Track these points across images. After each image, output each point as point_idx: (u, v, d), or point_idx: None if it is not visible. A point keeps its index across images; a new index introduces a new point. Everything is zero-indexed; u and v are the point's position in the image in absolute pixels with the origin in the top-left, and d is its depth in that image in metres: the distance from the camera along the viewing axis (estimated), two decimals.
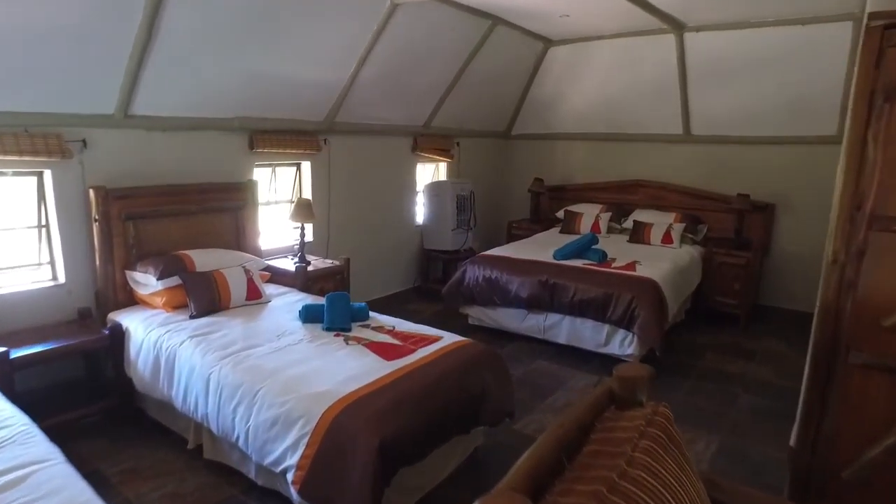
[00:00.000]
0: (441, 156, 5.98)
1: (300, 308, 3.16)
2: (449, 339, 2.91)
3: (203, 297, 3.14)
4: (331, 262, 4.22)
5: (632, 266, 4.51)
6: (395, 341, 2.84)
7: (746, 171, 5.62)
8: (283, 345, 2.73)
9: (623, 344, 4.12)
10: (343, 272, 4.11)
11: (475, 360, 2.75)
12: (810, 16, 4.50)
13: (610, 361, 4.21)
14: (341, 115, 4.68)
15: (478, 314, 4.82)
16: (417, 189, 5.87)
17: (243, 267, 3.44)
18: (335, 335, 2.90)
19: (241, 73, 3.73)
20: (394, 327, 3.08)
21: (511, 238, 6.39)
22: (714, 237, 5.65)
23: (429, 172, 6.26)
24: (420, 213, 5.93)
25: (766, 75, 5.04)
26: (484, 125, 6.59)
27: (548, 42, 5.72)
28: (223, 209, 3.82)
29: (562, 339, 4.42)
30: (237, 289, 3.30)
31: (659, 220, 5.65)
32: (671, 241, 5.41)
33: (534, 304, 4.44)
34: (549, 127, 6.68)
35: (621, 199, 6.26)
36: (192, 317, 3.11)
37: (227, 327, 2.96)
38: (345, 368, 2.48)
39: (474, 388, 2.66)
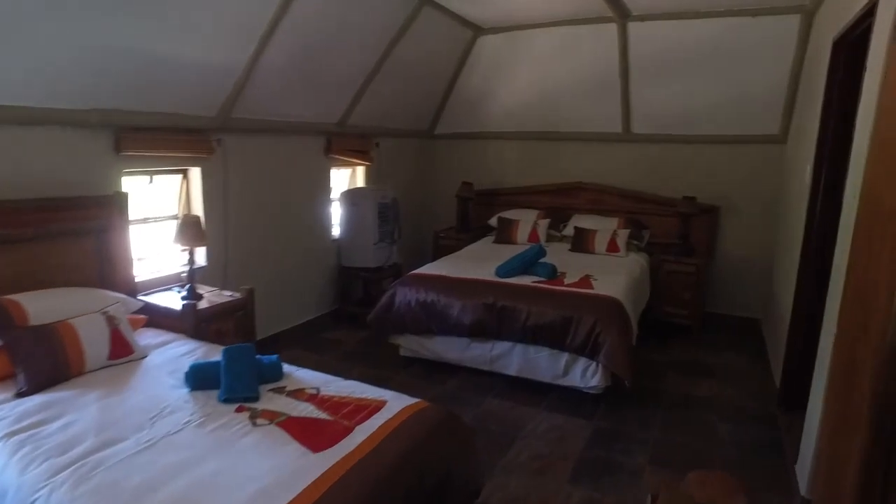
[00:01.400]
0: (359, 158, 5.20)
1: (187, 369, 2.30)
2: (395, 403, 2.18)
3: (39, 364, 2.19)
4: (230, 294, 3.33)
5: (587, 282, 3.97)
6: (323, 414, 2.07)
7: (690, 171, 5.28)
8: (158, 435, 1.87)
9: (585, 374, 3.56)
10: (245, 306, 3.25)
11: (435, 435, 2.05)
12: (761, 6, 4.16)
13: (571, 395, 3.65)
14: (239, 110, 3.80)
15: (411, 344, 4.10)
16: (332, 197, 5.06)
17: (105, 313, 2.51)
18: (237, 409, 2.09)
19: (100, 51, 2.78)
20: (318, 390, 2.29)
21: (439, 250, 5.72)
22: (658, 243, 5.28)
23: (345, 178, 5.46)
24: (336, 225, 5.12)
25: (710, 70, 4.69)
26: (406, 123, 5.87)
27: (477, 30, 5.10)
28: (78, 232, 2.85)
29: (513, 371, 3.79)
30: (95, 345, 2.37)
31: (602, 227, 5.19)
32: (617, 249, 4.96)
33: (478, 332, 3.79)
34: (478, 125, 6.07)
35: (559, 203, 5.77)
36: (20, 394, 2.14)
37: (72, 410, 2.01)
38: (253, 473, 1.67)
39: (436, 474, 1.96)
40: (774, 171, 4.99)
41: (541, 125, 5.74)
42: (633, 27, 4.57)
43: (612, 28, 4.61)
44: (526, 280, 4.00)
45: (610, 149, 5.57)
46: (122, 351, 2.46)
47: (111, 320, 2.48)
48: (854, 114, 3.29)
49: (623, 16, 4.45)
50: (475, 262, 4.49)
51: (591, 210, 5.60)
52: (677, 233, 5.18)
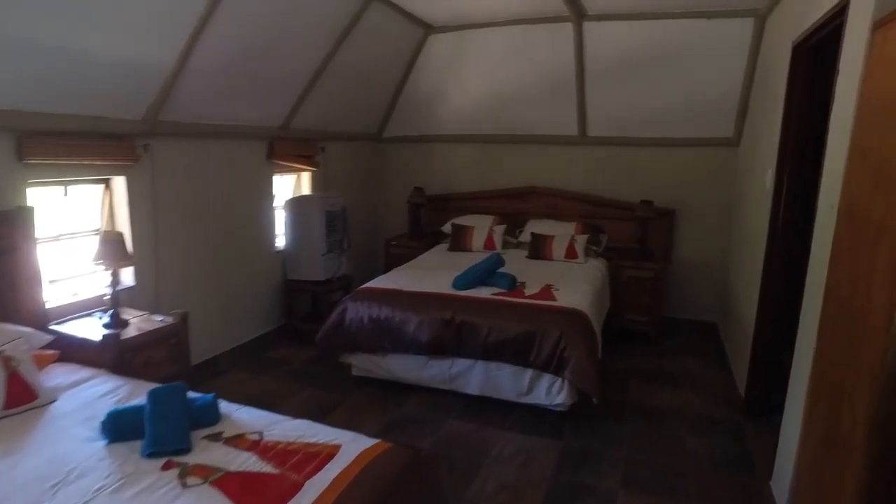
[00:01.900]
0: (304, 164, 4.88)
1: (104, 417, 1.96)
2: (351, 447, 1.91)
3: None
4: (160, 319, 2.97)
5: (548, 292, 3.80)
6: (267, 467, 1.78)
7: (646, 175, 5.21)
8: None
9: (550, 391, 3.38)
10: (178, 332, 2.90)
11: (399, 483, 1.80)
12: (716, 9, 4.10)
13: (536, 413, 3.47)
14: (168, 113, 3.42)
15: (364, 363, 3.83)
16: (276, 206, 4.71)
17: (0, 353, 2.14)
18: (164, 466, 1.77)
19: None
20: (261, 435, 1.99)
21: (390, 259, 5.46)
22: (615, 247, 5.18)
23: (289, 185, 5.12)
24: (281, 235, 4.78)
25: (666, 72, 4.61)
26: (353, 126, 5.58)
27: (428, 28, 4.87)
28: None
29: (474, 390, 3.58)
30: None
31: (559, 232, 5.05)
32: (576, 256, 4.83)
33: (437, 349, 3.56)
34: (429, 128, 5.84)
35: (514, 208, 5.60)
36: None
37: None
38: None
39: None
40: (728, 175, 4.97)
41: (494, 128, 5.56)
42: (588, 27, 4.44)
43: (568, 28, 4.46)
44: (485, 292, 3.79)
45: (566, 152, 5.44)
46: (21, 397, 2.08)
47: (7, 362, 2.10)
48: (816, 118, 3.25)
49: (579, 15, 4.32)
50: (430, 273, 4.25)
51: (547, 215, 5.46)
52: (635, 237, 5.09)
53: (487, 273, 3.93)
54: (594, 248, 5.01)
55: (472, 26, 4.75)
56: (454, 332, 3.49)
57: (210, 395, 2.11)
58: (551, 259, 4.87)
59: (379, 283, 4.05)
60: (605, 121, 5.13)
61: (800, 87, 3.18)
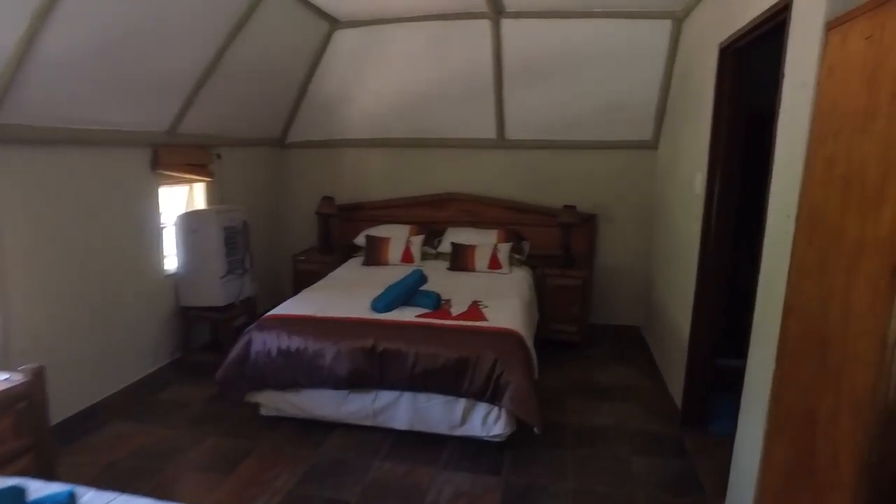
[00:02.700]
0: (196, 173, 4.30)
1: None
2: None
3: None
4: (6, 377, 2.36)
5: (477, 311, 3.50)
6: None
7: (567, 179, 5.07)
8: None
9: (487, 422, 3.08)
10: (30, 394, 2.30)
11: None
12: (634, 9, 3.98)
13: (472, 446, 3.16)
14: (10, 114, 2.78)
15: (275, 401, 3.36)
16: (164, 224, 4.11)
17: None
18: None
19: None
20: None
21: (300, 277, 4.98)
22: (538, 255, 5.00)
23: (180, 199, 4.50)
24: (172, 257, 4.18)
25: (585, 73, 4.47)
26: (253, 131, 5.03)
27: (334, 23, 4.44)
28: None
29: (402, 424, 3.21)
30: None
31: (481, 241, 4.80)
32: (499, 266, 4.59)
33: (357, 382, 3.17)
34: (337, 132, 5.40)
35: (432, 216, 5.28)
36: None
37: None
38: None
39: None
40: (648, 178, 4.92)
41: (408, 131, 5.22)
42: (506, 25, 4.20)
43: (485, 25, 4.20)
44: (408, 314, 3.44)
45: (484, 156, 5.20)
46: None
47: None
48: (744, 122, 3.18)
49: (497, 12, 4.07)
50: (346, 294, 3.84)
51: (467, 223, 5.19)
52: (559, 243, 4.94)
53: (409, 292, 3.59)
54: (518, 256, 4.80)
55: (381, 21, 4.37)
56: (376, 361, 3.11)
57: (65, 492, 1.61)
58: (474, 270, 4.60)
59: (288, 308, 3.58)
60: (524, 124, 4.93)
61: (728, 91, 3.08)
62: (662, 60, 4.26)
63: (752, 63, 3.07)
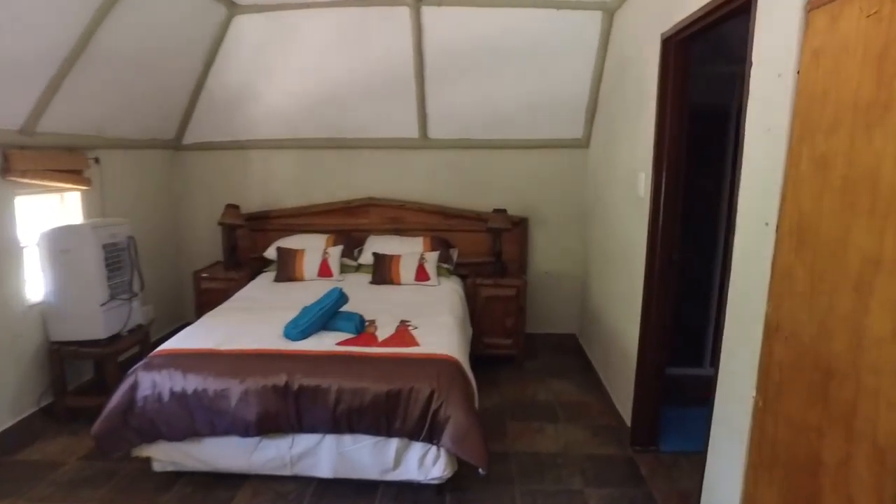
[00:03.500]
0: (66, 181, 3.61)
1: None
2: None
3: None
4: None
5: (406, 334, 3.10)
6: None
7: (495, 180, 4.76)
8: None
9: (423, 463, 2.67)
10: None
11: None
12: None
13: (408, 491, 2.76)
14: None
15: (170, 454, 2.80)
16: (24, 243, 3.40)
17: None
18: None
19: None
20: None
21: (203, 298, 4.37)
22: (467, 263, 4.66)
23: (48, 211, 3.77)
24: (37, 283, 3.47)
25: (513, 67, 4.17)
26: (140, 130, 4.36)
27: (232, 6, 3.87)
28: None
29: (325, 472, 2.75)
30: None
31: (406, 250, 4.40)
32: (427, 278, 4.21)
33: (270, 426, 2.67)
34: (242, 131, 4.81)
35: (351, 224, 4.82)
36: None
37: None
38: None
39: None
40: (580, 179, 4.70)
41: (322, 131, 4.72)
42: (427, 13, 3.81)
43: (405, 13, 3.79)
44: (327, 341, 2.98)
45: (407, 157, 4.79)
46: None
47: None
48: (689, 119, 2.96)
49: None
50: (254, 318, 3.32)
51: (389, 230, 4.77)
52: (489, 250, 4.63)
53: (327, 315, 3.12)
54: (446, 266, 4.43)
55: (287, 6, 3.85)
56: (292, 401, 2.63)
57: None
58: (399, 283, 4.19)
59: (182, 341, 3.01)
60: (449, 122, 4.57)
61: (673, 84, 2.85)
62: (593, 54, 4.03)
63: (695, 55, 2.87)
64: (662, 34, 2.83)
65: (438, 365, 2.73)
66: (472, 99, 4.39)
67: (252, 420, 2.62)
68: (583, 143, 4.59)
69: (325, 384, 2.63)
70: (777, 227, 1.76)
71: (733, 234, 2.06)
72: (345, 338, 3.01)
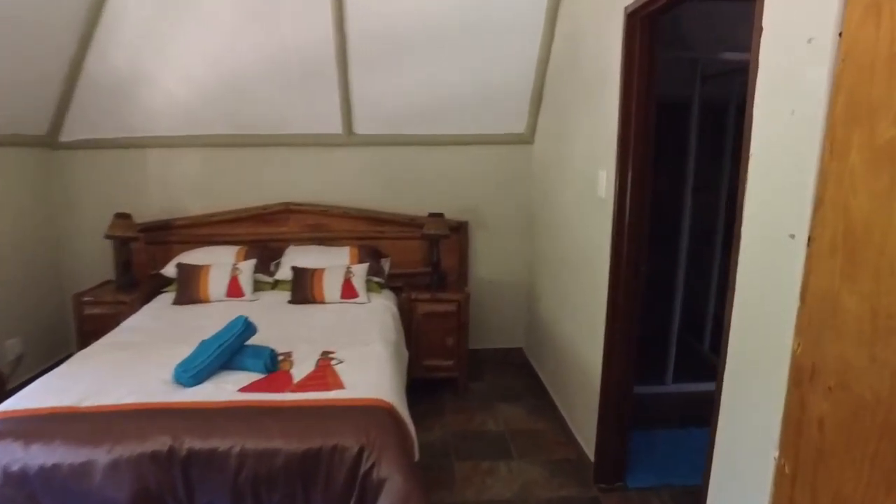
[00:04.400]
0: None
1: None
2: None
3: None
4: None
5: (328, 372, 2.53)
6: None
7: (430, 181, 4.25)
8: None
9: None
10: None
11: None
12: None
13: None
14: None
15: None
16: None
17: None
18: None
19: None
20: None
21: (87, 326, 3.63)
22: (401, 274, 4.14)
23: None
24: None
25: (445, 52, 3.67)
26: (1, 125, 3.57)
27: None
28: None
29: None
30: None
31: (331, 262, 3.82)
32: (355, 294, 3.64)
33: None
34: (133, 127, 4.06)
35: (267, 233, 4.18)
36: None
37: None
38: None
39: None
40: (524, 178, 4.27)
41: (230, 126, 4.06)
42: None
43: None
44: (228, 386, 2.37)
45: (330, 156, 4.20)
46: None
47: None
48: (653, 105, 2.56)
49: None
50: (137, 358, 2.65)
51: (311, 240, 4.17)
52: (425, 259, 4.12)
53: (230, 351, 2.51)
54: (377, 279, 3.88)
55: None
56: (179, 472, 2.02)
57: None
58: (323, 302, 3.61)
59: (30, 398, 2.30)
60: (377, 115, 4.02)
61: (640, 68, 2.43)
62: (538, 33, 3.58)
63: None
64: (626, 7, 2.41)
65: (368, 413, 2.18)
66: (402, 89, 3.86)
67: (124, 501, 1.99)
68: (526, 139, 4.16)
69: (224, 446, 2.03)
70: (809, 240, 1.33)
71: (735, 246, 1.63)
72: (251, 380, 2.42)
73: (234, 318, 2.62)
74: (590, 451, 2.94)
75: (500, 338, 4.50)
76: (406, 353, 3.39)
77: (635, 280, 2.64)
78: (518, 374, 4.18)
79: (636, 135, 2.47)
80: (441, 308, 3.80)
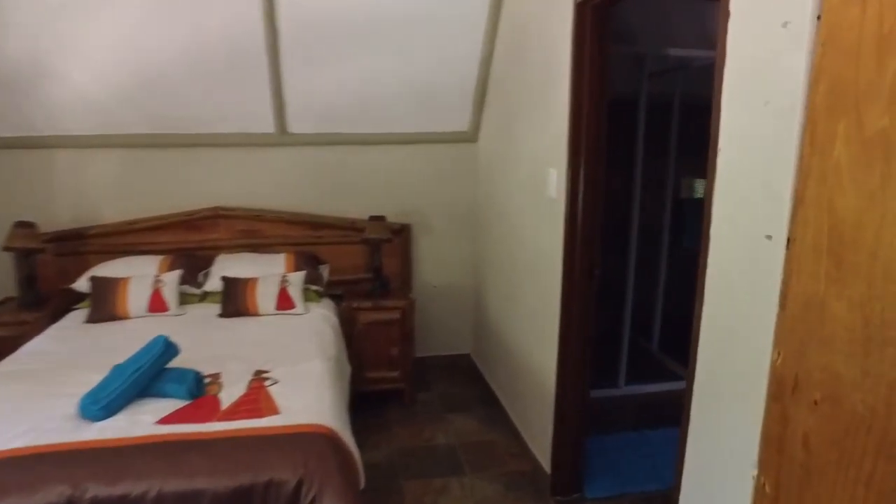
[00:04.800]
0: None
1: None
2: None
3: None
4: None
5: (261, 395, 2.28)
6: None
7: (371, 183, 4.04)
8: None
9: None
10: None
11: None
12: None
13: None
14: None
15: None
16: None
17: None
18: None
19: None
20: None
21: None
22: (341, 281, 3.91)
23: None
24: None
25: (384, 44, 3.46)
26: None
27: None
28: None
29: None
30: None
31: (265, 271, 3.54)
32: (292, 305, 3.39)
33: None
34: (37, 125, 3.64)
35: (194, 241, 3.86)
36: None
37: None
38: None
39: None
40: (469, 178, 4.12)
41: (150, 125, 3.71)
42: None
43: None
44: (145, 418, 2.09)
45: (262, 157, 3.91)
46: None
47: None
48: (604, 99, 2.46)
49: None
50: (37, 390, 2.31)
51: (243, 247, 3.87)
52: (366, 264, 3.91)
53: (148, 376, 2.23)
54: (315, 288, 3.63)
55: None
56: None
57: None
58: (256, 314, 3.34)
59: None
60: (312, 113, 3.77)
61: (591, 61, 2.31)
62: (482, 24, 3.44)
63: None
64: None
65: (307, 442, 1.96)
66: (339, 85, 3.63)
67: None
68: (470, 137, 4.01)
69: (137, 490, 1.77)
70: (789, 241, 1.23)
71: (703, 247, 1.52)
72: (173, 408, 2.14)
73: (154, 337, 2.33)
74: (545, 461, 2.82)
75: (446, 344, 4.34)
76: (348, 367, 3.17)
77: (589, 282, 2.53)
78: (466, 381, 4.03)
79: (588, 131, 2.35)
80: (384, 316, 3.60)
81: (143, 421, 2.04)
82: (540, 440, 2.90)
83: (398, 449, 3.15)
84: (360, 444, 2.67)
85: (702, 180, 4.28)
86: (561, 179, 2.48)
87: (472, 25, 3.41)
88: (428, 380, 4.02)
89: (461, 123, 3.95)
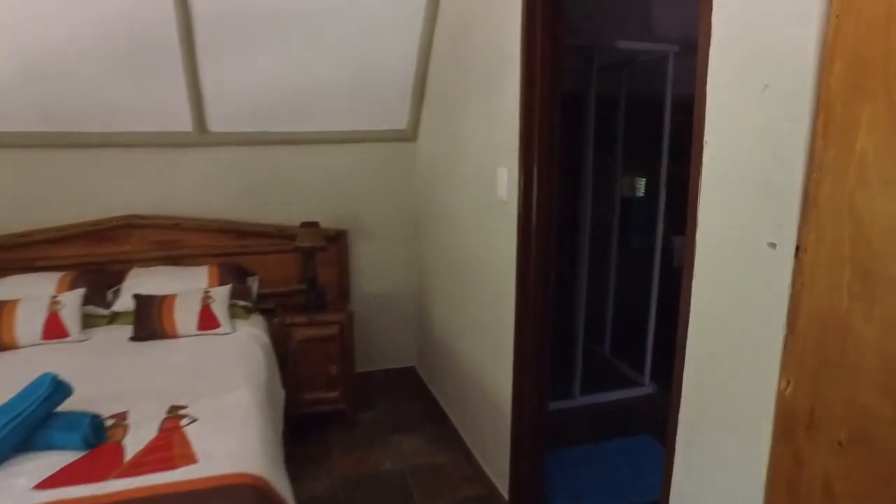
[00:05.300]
0: None
1: None
2: None
3: None
4: None
5: (176, 438, 1.94)
6: None
7: (302, 186, 3.71)
8: None
9: None
10: None
11: None
12: None
13: None
14: None
15: None
16: None
17: None
18: None
19: None
20: None
21: None
22: (272, 294, 3.57)
23: None
24: None
25: (312, 33, 3.15)
26: None
27: None
28: None
29: None
30: None
31: (185, 286, 3.17)
32: (216, 324, 3.03)
33: None
34: None
35: (102, 254, 3.41)
36: None
37: None
38: None
39: None
40: (409, 179, 3.86)
41: (44, 122, 3.24)
42: None
43: None
44: (21, 478, 1.69)
45: (180, 159, 3.51)
46: None
47: None
48: (558, 93, 2.26)
49: None
50: None
51: (159, 259, 3.47)
52: (300, 275, 3.59)
53: (32, 424, 1.84)
54: (243, 303, 3.27)
55: None
56: None
57: None
58: (175, 336, 2.96)
59: None
60: (235, 109, 3.40)
61: (543, 52, 2.10)
62: (419, 20, 3.19)
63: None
64: None
65: (231, 497, 1.65)
66: (264, 79, 3.29)
67: None
68: (409, 136, 3.75)
69: None
70: (798, 250, 1.04)
71: (689, 257, 1.33)
72: (60, 465, 1.77)
73: (35, 380, 1.94)
74: (502, 485, 2.60)
75: (389, 358, 4.07)
76: (282, 393, 2.86)
77: (545, 289, 2.32)
78: (412, 397, 3.77)
79: (541, 127, 2.14)
80: (321, 332, 3.29)
81: (16, 486, 1.65)
82: (495, 461, 2.68)
83: (341, 479, 2.86)
84: (299, 477, 2.37)
85: (643, 179, 4.20)
86: (512, 180, 2.26)
87: (409, 14, 3.15)
88: (371, 397, 3.74)
89: (399, 121, 3.69)
